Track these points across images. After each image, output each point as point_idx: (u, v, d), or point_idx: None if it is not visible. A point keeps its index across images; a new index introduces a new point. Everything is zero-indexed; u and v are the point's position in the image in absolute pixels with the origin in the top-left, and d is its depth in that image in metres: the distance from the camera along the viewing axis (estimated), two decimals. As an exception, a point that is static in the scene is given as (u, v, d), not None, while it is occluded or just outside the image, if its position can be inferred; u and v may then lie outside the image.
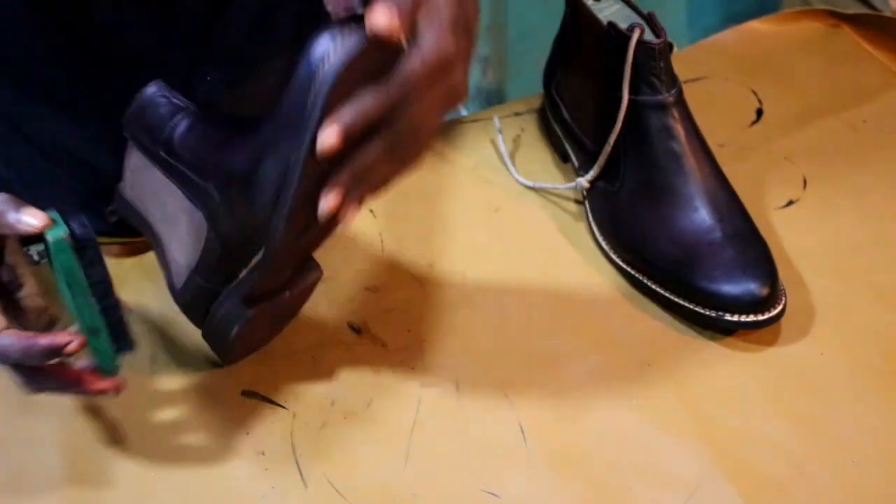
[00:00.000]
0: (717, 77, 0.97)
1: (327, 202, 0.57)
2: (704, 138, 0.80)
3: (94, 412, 0.72)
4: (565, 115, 0.87)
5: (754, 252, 0.76)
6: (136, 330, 0.72)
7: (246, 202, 0.63)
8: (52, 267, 0.63)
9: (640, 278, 0.78)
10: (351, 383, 0.74)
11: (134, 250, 0.82)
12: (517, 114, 0.95)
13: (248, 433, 0.71)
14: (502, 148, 0.90)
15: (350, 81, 0.55)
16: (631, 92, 0.78)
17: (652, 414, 0.71)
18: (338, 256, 0.82)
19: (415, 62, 0.53)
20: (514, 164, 0.89)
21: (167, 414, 0.71)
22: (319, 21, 0.55)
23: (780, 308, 0.74)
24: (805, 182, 0.87)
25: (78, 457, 0.70)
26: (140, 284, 0.79)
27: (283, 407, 0.72)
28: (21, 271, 0.62)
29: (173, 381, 0.73)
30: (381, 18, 0.51)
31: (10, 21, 0.68)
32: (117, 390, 0.64)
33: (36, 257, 0.83)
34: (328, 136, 0.54)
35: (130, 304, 0.79)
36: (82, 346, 0.60)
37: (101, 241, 0.82)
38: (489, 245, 0.83)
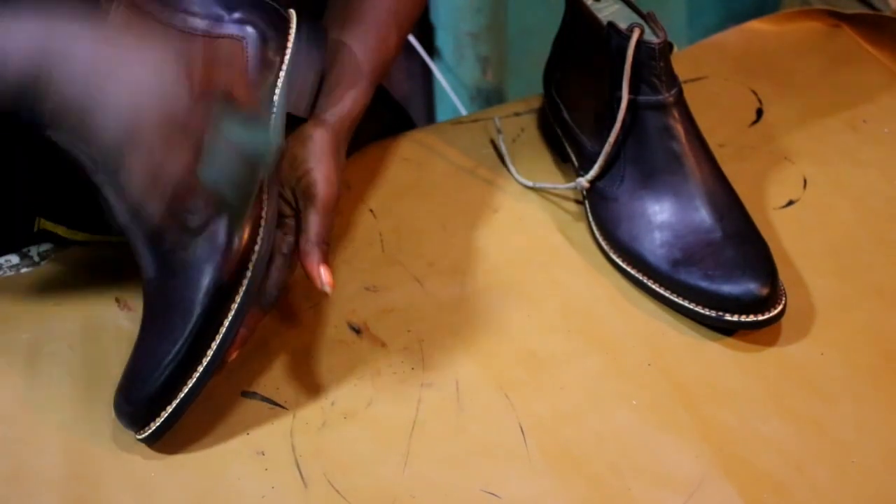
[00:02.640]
0: (717, 77, 0.97)
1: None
2: (704, 138, 0.80)
3: (94, 413, 0.72)
4: (565, 115, 0.87)
5: (754, 252, 0.76)
6: (135, 331, 0.72)
7: None
8: None
9: (640, 278, 0.78)
10: (351, 383, 0.74)
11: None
12: (517, 114, 0.95)
13: (248, 433, 0.71)
14: (502, 148, 0.90)
15: None
16: (631, 92, 0.78)
17: (652, 414, 0.71)
18: (338, 256, 0.82)
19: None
20: (514, 164, 0.89)
21: (167, 414, 0.72)
22: None
23: (780, 308, 0.74)
24: (805, 182, 0.87)
25: (78, 457, 0.70)
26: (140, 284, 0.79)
27: (283, 407, 0.72)
28: None
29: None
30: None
31: None
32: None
33: (37, 258, 0.83)
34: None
35: (130, 304, 0.79)
36: None
37: (101, 238, 0.83)
38: (489, 245, 0.83)
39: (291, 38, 0.74)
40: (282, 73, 0.73)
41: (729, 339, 0.75)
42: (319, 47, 0.75)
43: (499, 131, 0.92)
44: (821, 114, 0.93)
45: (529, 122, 0.94)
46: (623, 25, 0.77)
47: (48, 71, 0.63)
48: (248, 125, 0.70)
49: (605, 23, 0.78)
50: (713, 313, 0.74)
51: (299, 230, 0.73)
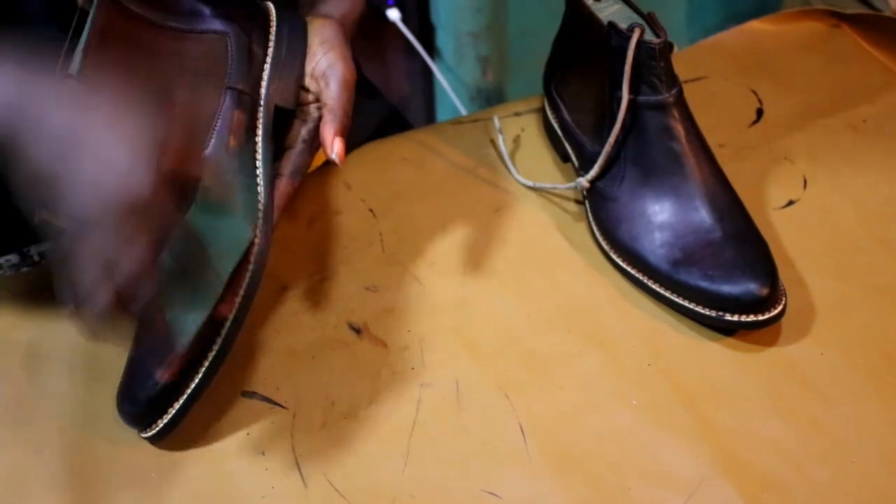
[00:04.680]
0: (717, 77, 0.97)
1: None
2: (704, 138, 0.80)
3: (94, 412, 0.72)
4: (565, 115, 0.87)
5: (754, 252, 0.76)
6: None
7: None
8: None
9: (640, 278, 0.78)
10: (351, 383, 0.74)
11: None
12: (517, 114, 0.95)
13: (248, 433, 0.71)
14: (502, 148, 0.90)
15: None
16: (631, 92, 0.78)
17: (652, 414, 0.71)
18: (338, 256, 0.82)
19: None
20: (514, 164, 0.89)
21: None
22: None
23: (780, 308, 0.74)
24: (805, 182, 0.87)
25: (78, 457, 0.70)
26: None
27: (283, 407, 0.72)
28: None
29: (173, 381, 0.73)
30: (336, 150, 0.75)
31: None
32: None
33: (37, 258, 0.83)
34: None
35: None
36: None
37: None
38: (489, 245, 0.83)
39: (273, 29, 0.75)
40: (266, 66, 0.74)
41: (729, 339, 0.75)
42: (300, 37, 0.77)
43: (499, 131, 0.92)
44: (821, 114, 0.93)
45: (529, 122, 0.94)
46: (623, 25, 0.77)
47: (19, 131, 0.58)
48: (218, 213, 0.67)
49: (605, 23, 0.78)
50: (713, 313, 0.74)
51: (321, 111, 0.76)
